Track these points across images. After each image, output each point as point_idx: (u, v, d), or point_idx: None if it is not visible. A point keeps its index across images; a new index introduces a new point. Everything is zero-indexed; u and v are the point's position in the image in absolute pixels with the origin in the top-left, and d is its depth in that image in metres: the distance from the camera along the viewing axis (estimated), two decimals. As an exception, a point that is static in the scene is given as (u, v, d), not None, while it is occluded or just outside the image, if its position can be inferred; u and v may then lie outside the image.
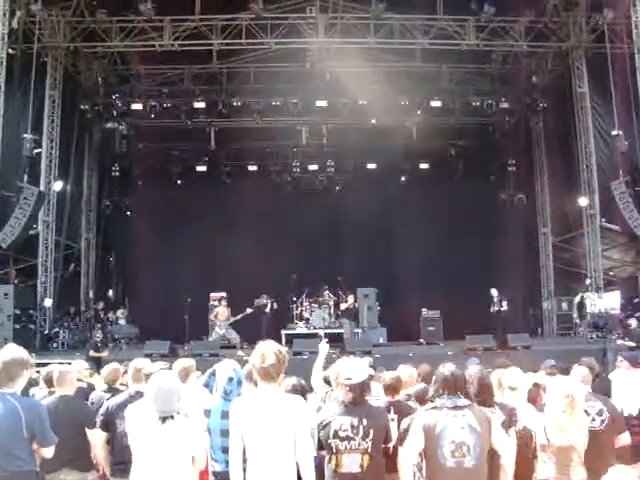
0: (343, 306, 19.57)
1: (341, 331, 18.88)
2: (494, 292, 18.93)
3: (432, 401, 4.37)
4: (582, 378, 5.53)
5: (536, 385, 6.55)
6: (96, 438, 5.64)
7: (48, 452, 4.60)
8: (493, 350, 15.11)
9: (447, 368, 4.44)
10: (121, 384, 6.67)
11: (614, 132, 17.27)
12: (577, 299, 20.04)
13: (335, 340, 18.00)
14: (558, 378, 5.51)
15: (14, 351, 4.55)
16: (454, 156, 24.18)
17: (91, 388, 7.31)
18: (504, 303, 18.67)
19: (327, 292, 20.28)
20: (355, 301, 19.11)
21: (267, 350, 4.23)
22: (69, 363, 6.78)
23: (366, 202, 22.28)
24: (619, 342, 14.96)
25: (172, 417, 4.24)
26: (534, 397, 6.05)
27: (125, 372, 6.55)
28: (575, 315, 20.01)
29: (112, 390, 6.54)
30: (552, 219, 22.89)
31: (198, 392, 5.56)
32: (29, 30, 17.62)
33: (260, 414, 4.09)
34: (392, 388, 5.75)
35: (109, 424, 5.55)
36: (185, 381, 5.94)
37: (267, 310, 19.21)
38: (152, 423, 4.24)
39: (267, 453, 4.05)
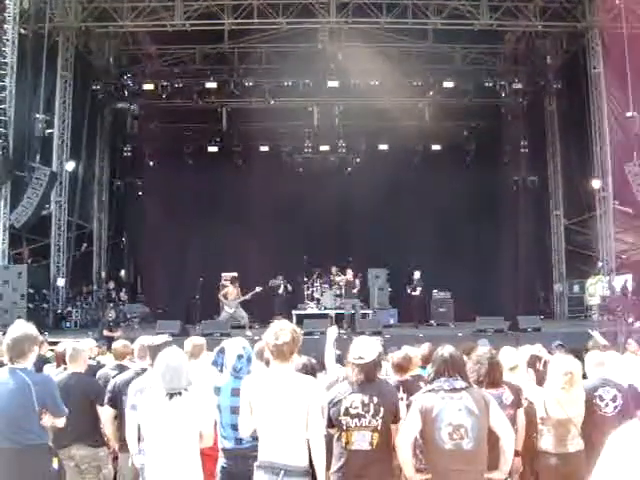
0: (339, 278, 19.37)
1: (352, 312, 18.95)
2: (417, 274, 18.74)
3: (430, 383, 4.38)
4: (597, 363, 5.57)
5: (537, 358, 6.60)
6: (104, 414, 5.73)
7: (60, 422, 4.70)
8: (503, 332, 15.13)
9: (445, 350, 4.42)
10: (130, 361, 6.74)
11: (629, 114, 17.08)
12: (591, 282, 19.86)
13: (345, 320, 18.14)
14: (558, 356, 5.60)
15: (23, 327, 4.61)
16: (466, 137, 24.01)
17: (99, 365, 7.39)
18: (419, 289, 18.50)
19: (338, 273, 20.30)
20: (355, 277, 18.99)
21: (282, 328, 4.25)
22: (78, 342, 6.85)
23: (378, 183, 22.18)
24: (637, 325, 14.94)
25: (179, 394, 4.28)
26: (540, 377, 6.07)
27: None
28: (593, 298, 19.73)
29: (120, 367, 6.61)
30: (564, 201, 22.73)
31: (208, 370, 5.60)
32: (40, 10, 17.58)
33: (272, 392, 4.12)
34: (401, 367, 5.78)
35: (116, 401, 5.64)
36: (196, 359, 6.00)
37: (280, 291, 19.33)
38: (159, 399, 4.28)
39: (278, 431, 4.08)
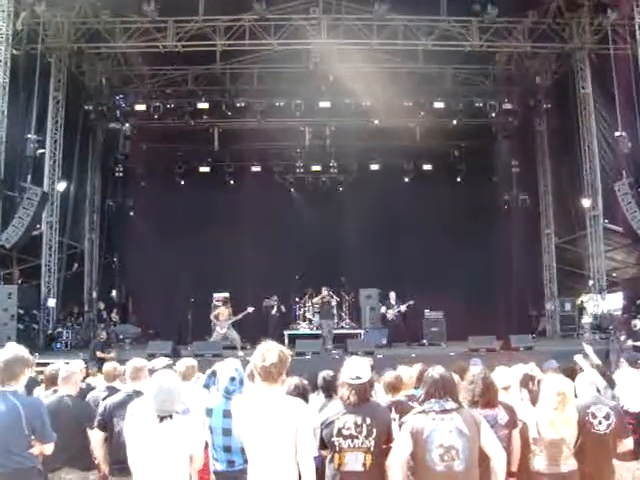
0: (315, 299, 19.24)
1: (345, 332, 18.97)
2: (392, 295, 18.68)
3: (421, 404, 4.36)
4: (590, 383, 5.58)
5: (530, 377, 6.59)
6: (94, 437, 5.67)
7: (48, 449, 4.64)
8: (496, 351, 15.12)
9: (436, 371, 4.42)
10: (121, 382, 6.69)
11: (617, 133, 17.23)
12: (578, 301, 20.07)
13: (337, 340, 18.11)
14: (550, 376, 5.60)
15: (15, 350, 4.58)
16: (457, 157, 24.17)
17: (89, 388, 7.33)
18: (402, 307, 18.44)
19: (330, 293, 20.27)
20: (332, 297, 18.89)
21: (269, 350, 4.22)
22: (67, 363, 6.80)
23: (369, 203, 22.29)
24: (629, 343, 14.97)
25: (170, 417, 4.24)
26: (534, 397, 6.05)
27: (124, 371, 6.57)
28: (585, 317, 19.97)
29: (110, 389, 6.55)
30: (555, 220, 22.84)
31: (199, 391, 5.57)
32: (33, 31, 17.62)
33: (259, 415, 4.09)
34: (393, 387, 5.75)
35: (107, 423, 5.57)
36: (188, 380, 5.97)
37: (273, 312, 19.28)
38: (150, 422, 4.25)
39: (267, 454, 4.04)
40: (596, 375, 5.89)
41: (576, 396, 5.45)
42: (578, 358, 6.85)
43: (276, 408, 4.11)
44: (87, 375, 8.93)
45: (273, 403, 4.13)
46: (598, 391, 5.77)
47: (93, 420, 5.68)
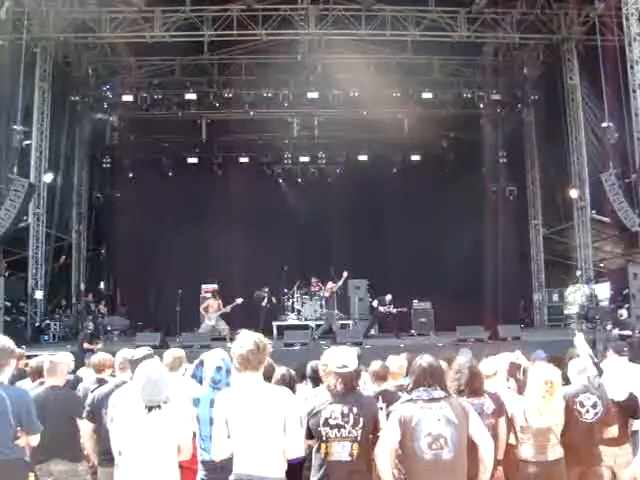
0: (328, 286, 18.97)
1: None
2: (389, 298, 18.47)
3: (409, 393, 4.37)
4: (579, 371, 5.61)
5: (516, 366, 6.62)
6: (83, 428, 5.66)
7: (34, 440, 4.63)
8: (484, 341, 15.17)
9: (424, 360, 4.41)
10: (111, 375, 6.67)
11: (604, 124, 17.29)
12: (571, 291, 20.14)
13: (325, 332, 18.12)
14: (537, 364, 5.63)
15: (0, 340, 4.55)
16: (445, 148, 24.17)
17: (78, 379, 7.30)
18: (394, 310, 18.29)
19: (318, 283, 20.27)
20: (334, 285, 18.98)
21: (246, 338, 4.22)
22: (53, 355, 6.77)
23: (357, 194, 22.28)
24: (615, 332, 15.05)
25: (159, 407, 4.24)
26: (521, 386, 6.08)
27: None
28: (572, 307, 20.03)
29: (100, 381, 6.53)
30: (543, 211, 22.94)
31: (187, 382, 5.56)
32: (18, 21, 17.46)
33: (245, 404, 4.07)
34: (380, 376, 5.76)
35: (95, 414, 5.56)
36: (175, 371, 5.95)
37: (264, 303, 19.26)
38: (138, 412, 4.24)
39: (253, 443, 4.03)
40: (590, 362, 5.91)
41: (570, 383, 5.50)
42: (577, 340, 6.78)
43: (261, 396, 4.10)
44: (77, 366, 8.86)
45: (258, 391, 4.13)
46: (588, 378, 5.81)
47: (81, 410, 5.67)
